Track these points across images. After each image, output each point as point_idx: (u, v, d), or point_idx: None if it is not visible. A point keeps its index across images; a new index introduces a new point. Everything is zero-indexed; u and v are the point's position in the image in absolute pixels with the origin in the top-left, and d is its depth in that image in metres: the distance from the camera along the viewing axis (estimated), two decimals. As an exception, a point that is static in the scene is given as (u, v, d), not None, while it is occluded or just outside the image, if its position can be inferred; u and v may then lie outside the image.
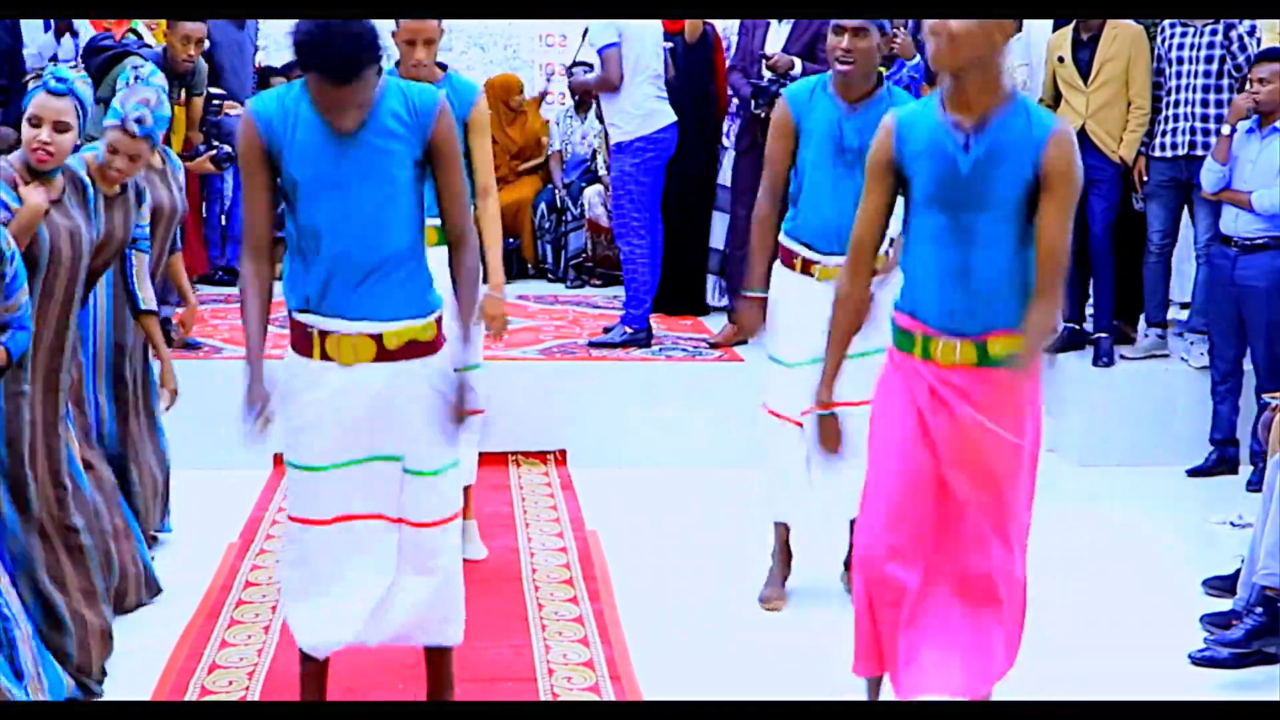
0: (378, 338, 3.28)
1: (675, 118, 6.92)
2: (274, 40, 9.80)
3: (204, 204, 8.44)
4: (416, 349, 3.32)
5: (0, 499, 3.71)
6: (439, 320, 3.38)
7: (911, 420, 3.28)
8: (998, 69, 3.16)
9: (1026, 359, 3.19)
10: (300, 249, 3.30)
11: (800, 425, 4.39)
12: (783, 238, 4.58)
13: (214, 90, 7.09)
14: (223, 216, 8.58)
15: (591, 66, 7.40)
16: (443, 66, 4.63)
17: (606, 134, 7.54)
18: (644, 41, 6.84)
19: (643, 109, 6.83)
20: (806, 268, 4.49)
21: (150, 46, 7.05)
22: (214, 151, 5.84)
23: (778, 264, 4.61)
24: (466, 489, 4.74)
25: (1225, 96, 6.40)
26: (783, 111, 4.51)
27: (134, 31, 7.36)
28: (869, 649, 3.42)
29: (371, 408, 3.31)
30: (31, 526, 3.76)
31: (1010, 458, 3.26)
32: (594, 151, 9.00)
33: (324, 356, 3.30)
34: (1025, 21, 7.34)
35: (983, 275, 3.22)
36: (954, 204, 3.19)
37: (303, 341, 3.32)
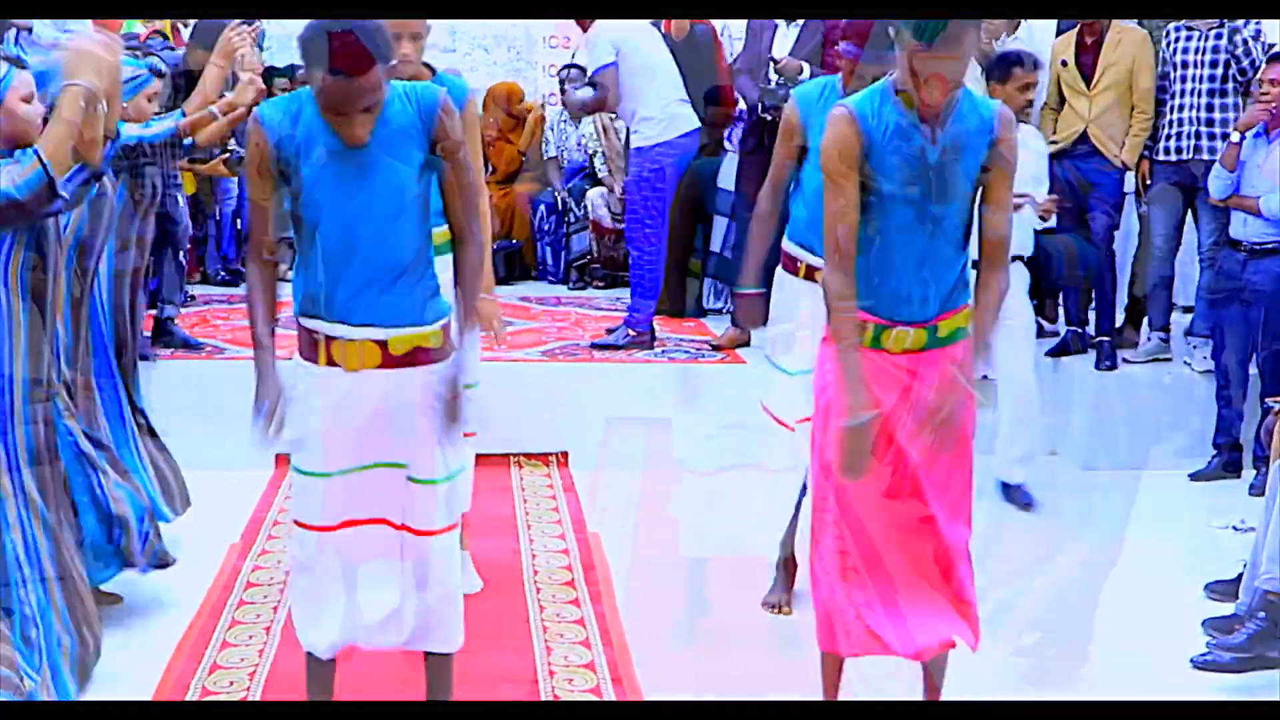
0: (383, 344, 3.27)
1: (698, 123, 6.90)
2: (277, 40, 9.80)
3: (215, 205, 8.46)
4: (422, 356, 3.31)
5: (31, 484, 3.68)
6: (446, 328, 3.37)
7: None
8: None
9: (985, 327, 3.29)
10: (306, 255, 3.29)
11: (793, 430, 4.40)
12: (785, 243, 4.52)
13: (229, 94, 7.08)
14: (235, 219, 8.60)
15: (584, 70, 7.39)
16: (430, 68, 4.45)
17: (628, 137, 7.50)
18: (641, 50, 6.79)
19: (666, 114, 6.80)
20: (810, 274, 4.35)
21: (173, 49, 7.05)
22: (228, 154, 5.84)
23: (779, 270, 4.55)
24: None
25: (1229, 100, 6.40)
26: (791, 112, 4.40)
27: (160, 33, 7.37)
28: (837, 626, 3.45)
29: (375, 415, 3.30)
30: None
31: (966, 418, 3.29)
32: (590, 156, 9.00)
33: (330, 362, 3.30)
34: (1029, 24, 7.34)
35: (939, 262, 3.26)
36: (922, 195, 3.20)
37: (309, 347, 3.33)
